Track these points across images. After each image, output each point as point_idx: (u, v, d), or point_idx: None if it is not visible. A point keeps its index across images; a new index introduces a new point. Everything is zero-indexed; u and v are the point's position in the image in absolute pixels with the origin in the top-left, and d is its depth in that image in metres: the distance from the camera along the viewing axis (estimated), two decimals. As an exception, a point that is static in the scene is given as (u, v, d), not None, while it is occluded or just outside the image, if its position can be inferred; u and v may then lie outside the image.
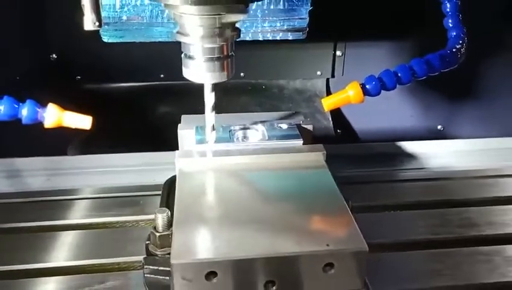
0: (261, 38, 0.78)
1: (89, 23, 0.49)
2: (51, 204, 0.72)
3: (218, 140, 0.63)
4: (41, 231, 0.67)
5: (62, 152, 0.98)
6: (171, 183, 0.64)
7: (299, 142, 0.63)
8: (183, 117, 0.69)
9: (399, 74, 0.62)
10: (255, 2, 0.71)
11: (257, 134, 0.66)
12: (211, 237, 0.49)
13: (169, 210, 0.54)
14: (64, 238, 0.65)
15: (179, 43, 0.57)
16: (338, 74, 1.15)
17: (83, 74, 1.09)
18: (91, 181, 0.77)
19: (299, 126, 0.66)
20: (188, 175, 0.58)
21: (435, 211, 0.72)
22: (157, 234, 0.53)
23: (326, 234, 0.49)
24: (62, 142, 1.00)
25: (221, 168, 0.59)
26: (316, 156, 0.61)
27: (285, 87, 1.17)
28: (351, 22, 1.06)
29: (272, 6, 0.74)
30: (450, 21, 0.70)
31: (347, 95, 0.61)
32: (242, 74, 1.12)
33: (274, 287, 0.47)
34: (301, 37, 0.79)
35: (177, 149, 0.66)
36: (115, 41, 0.73)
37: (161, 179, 0.67)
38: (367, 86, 0.62)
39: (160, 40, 0.74)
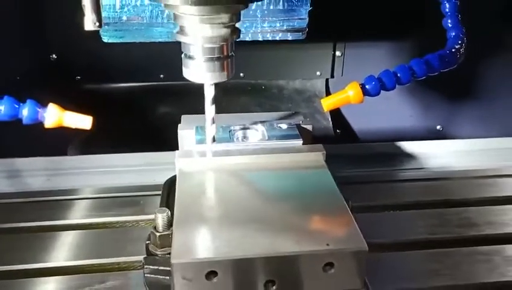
0: (260, 39, 0.78)
1: (89, 23, 0.49)
2: (51, 204, 0.73)
3: (218, 140, 0.63)
4: (41, 231, 0.67)
5: (62, 152, 0.99)
6: (171, 183, 0.65)
7: (299, 142, 0.63)
8: (183, 117, 0.69)
9: (398, 74, 0.62)
10: (255, 3, 0.71)
11: (257, 134, 0.66)
12: (211, 237, 0.49)
13: (169, 210, 0.54)
14: (65, 238, 0.65)
15: (179, 43, 0.58)
16: (337, 74, 1.15)
17: (82, 74, 1.09)
18: (91, 181, 0.77)
19: (298, 126, 0.67)
20: (188, 175, 0.58)
21: (434, 211, 0.72)
22: (158, 234, 0.53)
23: (326, 233, 0.49)
24: (62, 142, 1.00)
25: (221, 168, 0.59)
26: (316, 156, 0.61)
27: (284, 87, 1.17)
28: (351, 23, 1.06)
29: (271, 7, 0.74)
30: (449, 21, 0.70)
31: (347, 95, 0.62)
32: (242, 74, 1.12)
33: (274, 287, 0.47)
34: (301, 38, 0.79)
35: (177, 149, 0.66)
36: (114, 41, 0.73)
37: (161, 179, 0.67)
38: (367, 86, 0.62)
39: (160, 40, 0.74)
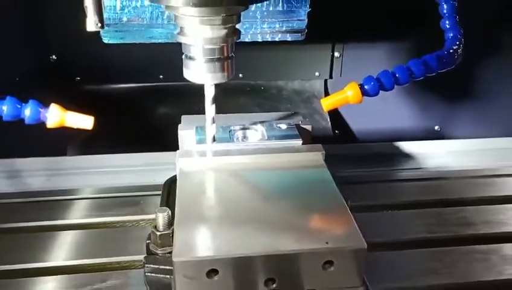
0: (260, 40, 0.78)
1: (91, 24, 0.50)
2: (50, 204, 0.73)
3: (218, 140, 0.63)
4: (41, 230, 0.67)
5: (62, 152, 0.99)
6: (171, 183, 0.65)
7: (299, 142, 0.64)
8: (183, 117, 0.70)
9: (397, 75, 0.63)
10: (254, 4, 0.72)
11: (257, 134, 0.67)
12: (212, 236, 0.49)
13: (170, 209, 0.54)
14: (65, 238, 0.65)
15: (178, 44, 0.58)
16: (336, 74, 1.16)
17: (82, 74, 1.09)
18: (91, 181, 0.77)
19: (298, 126, 0.67)
20: (188, 175, 0.59)
21: (432, 210, 0.72)
22: (158, 233, 0.53)
23: (325, 232, 0.50)
24: (62, 142, 1.00)
25: (221, 168, 0.60)
26: (315, 156, 0.62)
27: (283, 88, 1.17)
28: (349, 24, 1.07)
29: (270, 8, 0.75)
30: (447, 22, 0.70)
31: (346, 95, 0.62)
32: (241, 75, 1.12)
33: (274, 285, 0.47)
34: (300, 39, 0.80)
35: (177, 149, 0.66)
36: (115, 42, 0.73)
37: (161, 179, 0.67)
38: (365, 87, 0.62)
39: (160, 41, 0.74)
